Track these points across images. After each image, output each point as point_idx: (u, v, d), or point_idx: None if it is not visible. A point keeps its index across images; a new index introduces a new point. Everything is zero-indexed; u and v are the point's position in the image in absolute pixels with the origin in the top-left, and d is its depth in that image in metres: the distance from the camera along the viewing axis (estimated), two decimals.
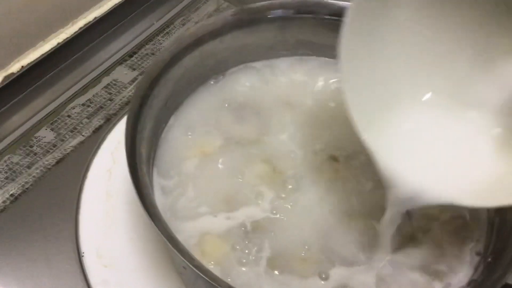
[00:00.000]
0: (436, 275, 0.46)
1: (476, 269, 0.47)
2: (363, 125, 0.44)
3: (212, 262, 0.45)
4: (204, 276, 0.37)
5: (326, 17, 0.56)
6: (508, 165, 0.44)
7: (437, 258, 0.47)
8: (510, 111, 0.45)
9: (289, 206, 0.49)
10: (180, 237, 0.42)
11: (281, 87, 0.59)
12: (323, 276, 0.45)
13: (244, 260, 0.46)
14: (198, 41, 0.53)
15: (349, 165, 0.52)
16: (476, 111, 0.46)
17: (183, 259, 0.38)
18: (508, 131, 0.45)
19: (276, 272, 0.46)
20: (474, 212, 0.50)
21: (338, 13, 0.56)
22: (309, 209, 0.49)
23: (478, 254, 0.48)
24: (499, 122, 0.46)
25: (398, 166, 0.44)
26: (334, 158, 0.53)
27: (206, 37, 0.54)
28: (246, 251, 0.46)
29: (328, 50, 0.60)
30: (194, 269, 0.38)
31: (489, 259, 0.45)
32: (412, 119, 0.47)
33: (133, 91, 0.65)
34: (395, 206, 0.44)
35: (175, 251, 0.38)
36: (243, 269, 0.46)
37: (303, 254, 0.47)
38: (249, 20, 0.55)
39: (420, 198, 0.43)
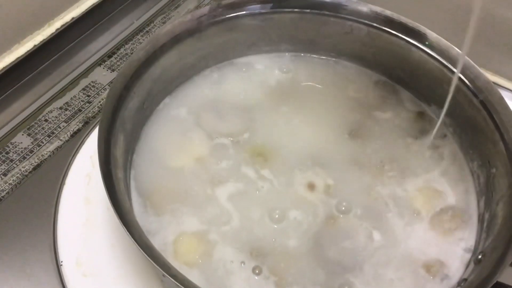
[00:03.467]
0: (428, 270, 0.45)
1: (466, 266, 0.45)
2: None
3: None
4: (181, 286, 0.36)
5: (307, 10, 0.55)
6: None
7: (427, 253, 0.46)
8: None
9: None
10: (158, 236, 0.42)
11: (264, 83, 0.58)
12: None
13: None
14: (175, 39, 0.51)
15: None
16: None
17: (160, 269, 0.36)
18: None
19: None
20: (463, 204, 0.49)
21: (318, 7, 0.55)
22: None
23: (468, 251, 0.46)
24: None
25: None
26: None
27: (184, 34, 0.52)
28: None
29: (310, 45, 0.59)
30: (171, 279, 0.36)
31: (480, 257, 0.44)
32: None
33: None
34: None
35: (151, 260, 0.37)
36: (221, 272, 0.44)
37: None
38: (227, 16, 0.53)
39: None
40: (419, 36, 0.53)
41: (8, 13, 0.62)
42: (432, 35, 0.52)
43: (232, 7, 0.53)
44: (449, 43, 0.52)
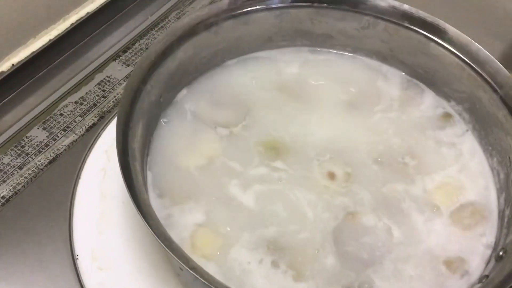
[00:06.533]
0: (448, 266, 0.45)
1: (487, 263, 0.45)
2: None
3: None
4: (200, 278, 0.35)
5: (323, 5, 0.54)
6: None
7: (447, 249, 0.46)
8: None
9: None
10: (175, 230, 0.42)
11: (280, 78, 0.57)
12: None
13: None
14: (191, 32, 0.51)
15: None
16: None
17: (178, 260, 0.36)
18: None
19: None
20: (483, 200, 0.48)
21: (336, 1, 0.54)
22: None
23: (488, 247, 0.46)
24: None
25: None
26: None
27: (200, 28, 0.52)
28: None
29: (326, 39, 0.58)
30: (189, 270, 0.36)
31: (501, 253, 0.43)
32: None
33: None
34: None
35: (170, 252, 0.36)
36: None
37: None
38: (244, 10, 0.53)
39: None
40: (438, 31, 0.52)
41: (24, 8, 0.62)
42: (451, 29, 0.51)
43: (251, 0, 0.52)
44: (468, 38, 0.51)
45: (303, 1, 0.54)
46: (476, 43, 0.51)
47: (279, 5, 0.54)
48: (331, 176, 0.49)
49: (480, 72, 0.50)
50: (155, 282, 0.48)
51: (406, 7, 0.53)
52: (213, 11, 0.52)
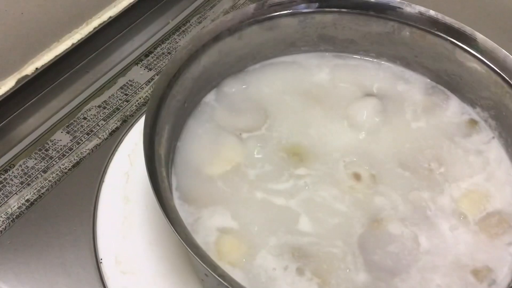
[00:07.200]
0: (475, 275, 0.44)
1: None
2: None
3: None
4: (228, 285, 0.35)
5: (348, 10, 0.54)
6: None
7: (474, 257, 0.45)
8: None
9: None
10: (200, 235, 0.42)
11: (303, 83, 0.57)
12: None
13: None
14: (216, 38, 0.51)
15: None
16: None
17: (206, 267, 0.36)
18: None
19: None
20: (511, 209, 0.48)
21: (359, 7, 0.54)
22: None
23: None
24: None
25: None
26: None
27: (225, 33, 0.52)
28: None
29: (350, 45, 0.58)
30: (218, 277, 0.36)
31: None
32: None
33: (149, 91, 0.63)
34: None
35: (198, 259, 0.36)
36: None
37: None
38: (269, 15, 0.53)
39: None
40: (465, 37, 0.51)
41: (48, 12, 0.62)
42: (478, 36, 0.51)
43: (277, 6, 0.52)
44: (495, 44, 0.50)
45: (329, 6, 0.54)
46: (503, 50, 0.50)
47: (305, 10, 0.53)
48: (357, 177, 0.49)
49: (507, 79, 0.50)
50: (178, 287, 0.48)
51: (432, 13, 0.52)
52: (239, 16, 0.52)
